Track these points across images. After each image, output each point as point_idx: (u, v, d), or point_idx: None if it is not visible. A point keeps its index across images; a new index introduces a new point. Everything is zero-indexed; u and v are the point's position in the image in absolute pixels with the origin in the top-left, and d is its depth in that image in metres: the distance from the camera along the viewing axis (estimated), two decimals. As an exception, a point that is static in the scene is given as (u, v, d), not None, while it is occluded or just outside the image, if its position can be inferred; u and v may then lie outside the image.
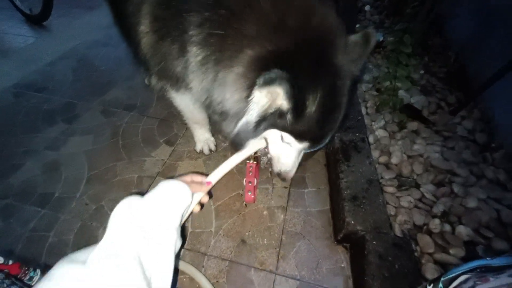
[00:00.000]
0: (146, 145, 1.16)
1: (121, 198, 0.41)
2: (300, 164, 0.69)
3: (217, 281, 0.77)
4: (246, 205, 0.95)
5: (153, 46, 0.70)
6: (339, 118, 0.60)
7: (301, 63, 0.52)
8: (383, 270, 0.68)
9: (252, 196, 0.83)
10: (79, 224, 0.91)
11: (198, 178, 0.55)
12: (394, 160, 1.07)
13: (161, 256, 0.41)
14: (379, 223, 0.77)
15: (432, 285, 0.35)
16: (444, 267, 0.81)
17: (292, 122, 0.54)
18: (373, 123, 1.23)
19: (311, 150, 0.87)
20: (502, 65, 0.96)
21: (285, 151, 0.65)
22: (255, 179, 0.83)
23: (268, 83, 0.48)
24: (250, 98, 0.53)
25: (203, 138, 1.12)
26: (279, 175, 0.69)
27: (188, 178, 0.53)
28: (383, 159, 1.09)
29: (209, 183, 0.56)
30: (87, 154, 1.12)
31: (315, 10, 0.56)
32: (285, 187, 1.01)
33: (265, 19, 0.54)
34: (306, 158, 1.09)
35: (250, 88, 0.53)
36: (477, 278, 0.32)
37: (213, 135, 1.14)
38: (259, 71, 0.50)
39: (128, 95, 1.39)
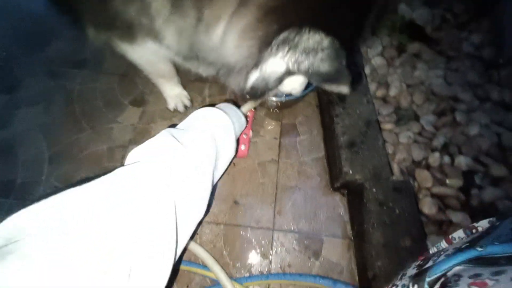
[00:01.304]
0: (109, 109, 0.99)
1: (94, 173, 0.43)
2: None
3: (214, 246, 0.75)
4: (234, 164, 0.87)
5: None
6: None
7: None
8: (384, 217, 0.65)
9: (246, 151, 0.75)
10: (55, 208, 0.82)
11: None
12: (392, 92, 0.96)
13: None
14: (378, 168, 0.71)
15: (416, 286, 0.28)
16: (442, 199, 0.80)
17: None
18: (368, 50, 1.06)
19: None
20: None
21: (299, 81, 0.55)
22: (250, 131, 0.73)
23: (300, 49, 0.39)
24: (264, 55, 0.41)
25: (173, 94, 0.95)
26: None
27: None
28: (380, 92, 0.97)
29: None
30: (42, 129, 0.96)
31: None
32: (275, 138, 0.92)
33: None
34: (296, 102, 0.97)
35: (265, 42, 0.41)
36: (471, 278, 0.24)
37: (185, 88, 0.97)
38: (281, 27, 0.39)
39: (74, 48, 1.13)
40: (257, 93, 0.49)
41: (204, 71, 0.62)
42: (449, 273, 0.25)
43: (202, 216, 0.44)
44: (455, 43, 1.04)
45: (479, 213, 0.75)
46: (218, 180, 0.54)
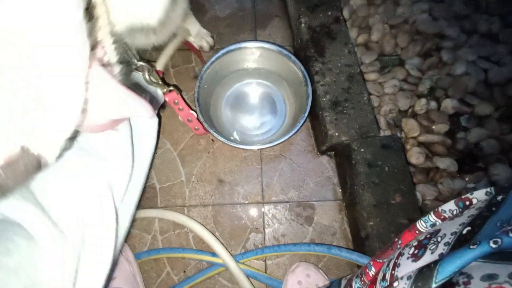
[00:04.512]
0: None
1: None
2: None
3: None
4: (212, 140, 0.80)
5: None
6: None
7: None
8: (373, 177, 0.63)
9: (202, 130, 0.69)
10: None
11: None
12: (374, 36, 0.87)
13: None
14: (365, 127, 0.67)
15: None
16: (428, 147, 0.78)
17: None
18: (346, -13, 0.93)
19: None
20: None
21: None
22: (194, 112, 0.66)
23: None
24: None
25: (194, 32, 0.83)
26: None
27: None
28: (362, 38, 0.88)
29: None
30: None
31: None
32: (253, 106, 0.84)
33: None
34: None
35: None
36: (485, 281, 0.20)
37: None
38: None
39: None
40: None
41: None
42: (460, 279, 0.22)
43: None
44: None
45: (465, 157, 0.75)
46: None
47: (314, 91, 0.71)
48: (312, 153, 0.79)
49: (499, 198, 0.27)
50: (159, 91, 0.61)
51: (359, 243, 0.65)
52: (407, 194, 0.63)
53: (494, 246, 0.20)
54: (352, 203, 0.67)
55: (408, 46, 0.86)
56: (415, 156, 0.76)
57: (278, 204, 0.75)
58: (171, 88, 0.59)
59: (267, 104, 0.82)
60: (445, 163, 0.75)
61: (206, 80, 0.72)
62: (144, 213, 0.72)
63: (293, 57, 0.70)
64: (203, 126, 0.67)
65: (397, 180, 0.64)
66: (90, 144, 0.43)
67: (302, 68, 0.69)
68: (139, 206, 0.74)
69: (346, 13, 0.89)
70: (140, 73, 0.53)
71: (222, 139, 0.65)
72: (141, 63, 0.49)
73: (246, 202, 0.75)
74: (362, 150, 0.66)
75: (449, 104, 0.80)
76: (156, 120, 0.57)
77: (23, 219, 0.32)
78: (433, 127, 0.80)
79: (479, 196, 0.30)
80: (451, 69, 0.83)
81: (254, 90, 0.83)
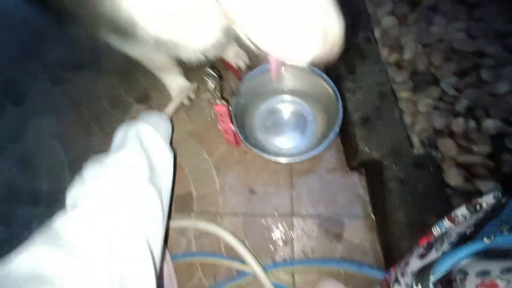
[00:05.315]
0: (116, 109, 0.99)
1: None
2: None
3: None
4: (245, 152, 0.85)
5: None
6: None
7: None
8: (406, 197, 0.62)
9: (234, 142, 0.74)
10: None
11: None
12: (407, 55, 0.88)
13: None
14: (397, 144, 0.67)
15: (420, 286, 0.25)
16: (468, 168, 0.75)
17: None
18: (377, 9, 0.96)
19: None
20: None
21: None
22: (232, 126, 0.71)
23: None
24: None
25: (176, 86, 0.92)
26: None
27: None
28: (393, 57, 0.89)
29: None
30: (56, 137, 0.98)
31: None
32: (284, 122, 0.88)
33: None
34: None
35: None
36: (479, 277, 0.21)
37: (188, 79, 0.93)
38: None
39: (70, 50, 1.11)
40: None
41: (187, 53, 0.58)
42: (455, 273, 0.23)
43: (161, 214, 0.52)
44: (478, -12, 0.91)
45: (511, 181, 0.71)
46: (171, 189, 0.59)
47: (344, 108, 0.73)
48: (342, 170, 0.80)
49: (504, 200, 0.28)
50: (169, 124, 0.70)
51: (391, 264, 0.63)
52: (443, 215, 0.61)
53: (487, 242, 0.21)
54: (384, 222, 0.66)
55: (442, 64, 0.85)
56: (453, 177, 0.73)
57: (307, 218, 0.76)
58: (224, 102, 0.66)
59: (298, 120, 0.86)
60: (489, 186, 0.71)
61: (242, 95, 0.78)
62: (180, 223, 0.77)
63: (324, 76, 0.74)
64: (236, 139, 0.72)
65: (432, 200, 0.63)
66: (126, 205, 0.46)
67: (333, 85, 0.73)
68: (177, 211, 0.80)
69: (377, 33, 0.91)
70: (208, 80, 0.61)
71: (256, 150, 0.69)
72: (212, 72, 0.56)
73: (276, 214, 0.77)
74: (394, 167, 0.65)
75: (491, 125, 0.77)
76: (171, 155, 0.61)
77: (57, 275, 0.32)
78: (473, 148, 0.77)
79: (488, 199, 0.33)
80: (492, 88, 0.80)
81: (286, 106, 0.87)
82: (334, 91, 0.72)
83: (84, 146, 0.95)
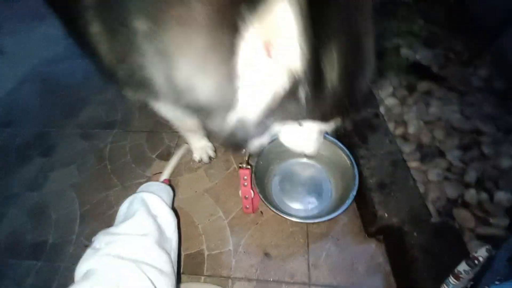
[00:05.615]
0: (138, 164, 1.04)
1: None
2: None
3: (248, 306, 0.69)
4: (261, 212, 0.85)
5: (112, 49, 0.54)
6: (370, 70, 0.40)
7: None
8: (432, 267, 0.60)
9: (251, 209, 0.75)
10: (83, 270, 0.81)
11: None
12: (411, 129, 0.97)
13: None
14: (415, 210, 0.69)
15: None
16: (490, 240, 0.73)
17: (310, 101, 0.36)
18: (380, 91, 1.11)
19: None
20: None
21: (304, 135, 0.51)
22: (252, 191, 0.73)
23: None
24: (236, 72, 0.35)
25: (199, 146, 1.00)
26: None
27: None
28: (399, 130, 0.98)
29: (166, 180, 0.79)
30: (74, 188, 1.00)
31: None
32: (300, 184, 0.91)
33: None
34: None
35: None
36: None
37: (209, 139, 1.02)
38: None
39: (105, 110, 1.24)
40: (239, 141, 0.43)
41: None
42: None
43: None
44: (463, 79, 1.07)
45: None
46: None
47: (360, 173, 0.77)
48: (359, 235, 0.78)
49: (494, 252, 0.32)
50: (169, 190, 0.73)
51: None
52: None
53: (497, 283, 0.24)
54: (411, 295, 0.62)
55: (445, 139, 0.93)
56: (477, 250, 0.71)
57: (326, 288, 0.71)
58: (249, 166, 0.71)
59: (314, 183, 0.89)
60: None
61: (263, 158, 0.84)
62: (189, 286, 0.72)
63: (339, 143, 0.81)
64: (254, 206, 0.74)
65: (460, 272, 0.60)
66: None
67: (348, 152, 0.79)
68: (186, 272, 0.76)
69: (382, 110, 1.03)
70: None
71: (274, 210, 0.70)
72: None
73: (292, 281, 0.72)
74: (415, 234, 0.65)
75: (502, 197, 0.79)
76: (175, 220, 0.63)
77: None
78: (491, 220, 0.77)
79: (482, 253, 0.39)
80: (495, 162, 0.85)
81: (303, 170, 0.92)
82: (348, 156, 0.78)
83: (100, 199, 0.96)
